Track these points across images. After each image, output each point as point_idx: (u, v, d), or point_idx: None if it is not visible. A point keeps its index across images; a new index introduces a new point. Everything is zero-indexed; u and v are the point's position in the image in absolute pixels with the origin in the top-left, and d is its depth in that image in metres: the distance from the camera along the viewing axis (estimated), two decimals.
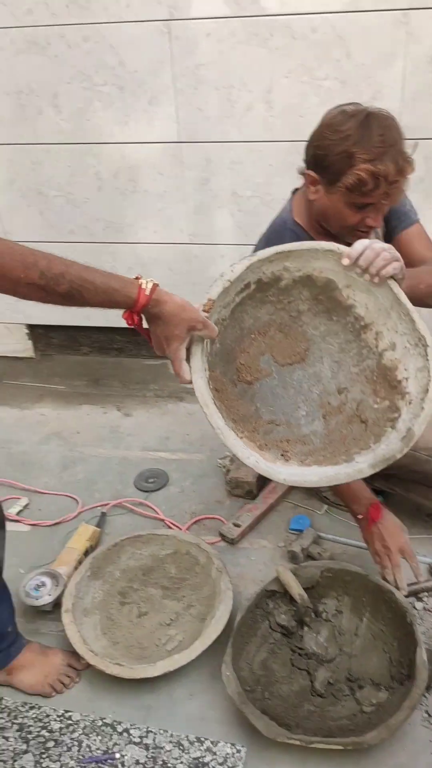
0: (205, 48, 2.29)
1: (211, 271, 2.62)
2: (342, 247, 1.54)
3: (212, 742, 1.46)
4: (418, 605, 1.89)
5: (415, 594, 1.90)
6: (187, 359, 1.38)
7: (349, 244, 1.53)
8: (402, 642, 1.69)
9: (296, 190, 1.88)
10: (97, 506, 2.32)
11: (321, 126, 1.66)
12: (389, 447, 1.48)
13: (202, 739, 1.53)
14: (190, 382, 1.38)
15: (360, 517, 1.88)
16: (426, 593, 1.91)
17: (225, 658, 1.62)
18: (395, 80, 2.18)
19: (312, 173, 1.68)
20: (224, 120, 2.39)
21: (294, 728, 1.52)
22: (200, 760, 1.47)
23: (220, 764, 1.42)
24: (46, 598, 1.87)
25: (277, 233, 1.81)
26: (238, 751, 1.44)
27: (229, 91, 2.34)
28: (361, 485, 1.88)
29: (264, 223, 1.90)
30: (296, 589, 1.76)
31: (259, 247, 1.72)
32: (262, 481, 2.29)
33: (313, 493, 2.28)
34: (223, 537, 2.13)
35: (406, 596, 1.88)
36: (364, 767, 1.54)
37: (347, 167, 1.60)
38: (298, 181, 1.80)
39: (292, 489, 2.29)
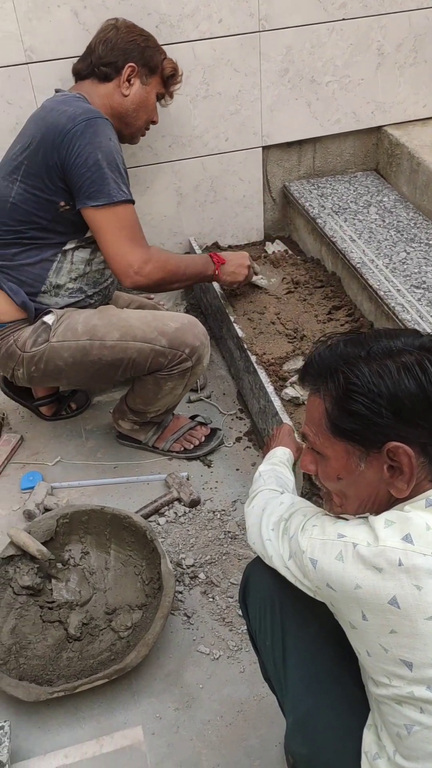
0: None
1: None
2: None
3: None
4: (161, 521, 1.93)
5: (155, 512, 1.94)
6: None
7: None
8: (149, 560, 1.71)
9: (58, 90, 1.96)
10: None
11: (124, 28, 1.89)
12: None
13: None
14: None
15: (217, 273, 2.06)
16: (165, 508, 1.95)
17: None
18: None
19: (133, 65, 1.87)
20: None
21: (56, 681, 1.48)
22: None
23: None
24: None
25: (106, 123, 1.78)
26: (1, 728, 1.37)
27: None
28: (197, 261, 2.04)
29: None
30: (33, 547, 1.69)
31: (89, 135, 1.72)
32: None
33: None
34: None
35: (147, 517, 1.91)
36: (137, 689, 1.56)
37: (161, 60, 1.94)
38: None
39: (16, 449, 2.18)
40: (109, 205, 1.74)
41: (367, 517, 0.95)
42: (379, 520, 0.91)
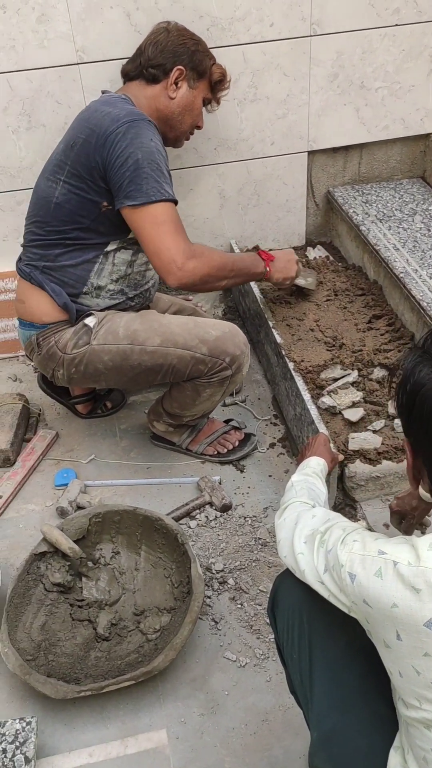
0: None
1: None
2: None
3: None
4: (192, 524, 1.93)
5: (187, 515, 1.94)
6: None
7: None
8: (179, 563, 1.71)
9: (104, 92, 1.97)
10: None
11: (175, 31, 1.89)
12: None
13: None
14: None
15: (268, 270, 2.05)
16: (197, 511, 1.96)
17: (0, 635, 1.53)
18: None
19: (182, 68, 1.87)
20: None
21: (84, 680, 1.49)
22: None
23: (11, 743, 1.35)
24: None
25: (149, 124, 1.77)
26: (29, 724, 1.38)
27: None
28: (245, 258, 2.02)
29: None
30: (65, 544, 1.70)
31: (130, 137, 1.72)
32: (18, 446, 2.17)
33: None
34: None
35: (178, 519, 1.92)
36: (163, 692, 1.56)
37: (210, 65, 1.93)
38: None
39: (51, 445, 2.21)
40: (147, 204, 1.73)
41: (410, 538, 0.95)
42: (424, 542, 0.90)
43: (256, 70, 2.26)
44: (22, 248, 1.96)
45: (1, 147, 2.23)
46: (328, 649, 1.13)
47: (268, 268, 2.04)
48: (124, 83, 1.97)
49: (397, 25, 2.28)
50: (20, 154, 2.26)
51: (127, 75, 1.94)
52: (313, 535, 1.10)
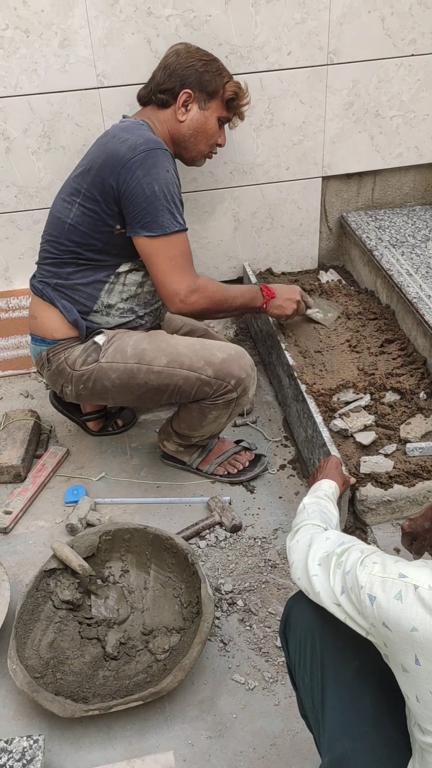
0: None
1: None
2: None
3: (6, 741, 1.37)
4: (202, 544, 1.93)
5: (196, 535, 1.94)
6: None
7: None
8: (189, 583, 1.71)
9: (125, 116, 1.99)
10: None
11: (184, 54, 1.89)
12: None
13: None
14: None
15: (264, 306, 2.07)
16: (206, 531, 1.95)
17: (9, 651, 1.52)
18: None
19: (189, 91, 1.86)
20: None
21: (91, 699, 1.48)
22: None
23: (17, 760, 1.34)
24: None
25: (165, 154, 1.79)
26: (36, 742, 1.37)
27: None
28: (245, 294, 2.02)
29: None
30: (75, 561, 1.70)
31: (146, 163, 1.75)
32: (29, 462, 2.18)
33: None
34: None
35: (188, 539, 1.91)
36: (170, 713, 1.55)
37: (221, 83, 1.91)
38: None
39: (62, 462, 2.21)
40: (162, 236, 1.77)
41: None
42: None
43: (273, 97, 2.30)
44: (36, 266, 1.99)
45: (20, 167, 2.27)
46: (341, 672, 1.12)
47: (265, 305, 2.07)
48: (141, 108, 2.00)
49: (413, 55, 2.32)
50: (39, 174, 2.29)
51: (141, 100, 1.97)
52: (329, 557, 1.10)
